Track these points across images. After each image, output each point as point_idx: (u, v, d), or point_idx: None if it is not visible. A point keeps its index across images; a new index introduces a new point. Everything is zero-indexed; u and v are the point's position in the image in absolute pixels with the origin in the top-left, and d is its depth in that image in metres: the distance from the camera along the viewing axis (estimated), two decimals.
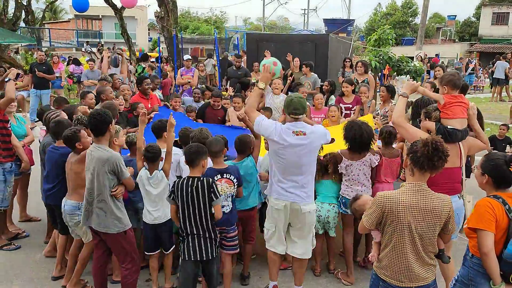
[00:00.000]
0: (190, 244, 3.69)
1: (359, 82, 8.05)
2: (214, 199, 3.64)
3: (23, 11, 21.81)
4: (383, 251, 2.93)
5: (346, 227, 4.63)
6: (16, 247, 5.16)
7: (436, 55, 32.75)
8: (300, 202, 3.81)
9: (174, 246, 4.38)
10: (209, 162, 3.99)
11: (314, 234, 4.07)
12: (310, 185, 3.88)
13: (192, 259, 3.69)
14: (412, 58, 18.88)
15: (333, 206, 4.55)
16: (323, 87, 8.50)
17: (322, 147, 4.39)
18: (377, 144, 4.83)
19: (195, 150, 3.72)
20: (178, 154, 4.51)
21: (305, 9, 47.01)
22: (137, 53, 22.53)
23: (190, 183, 3.64)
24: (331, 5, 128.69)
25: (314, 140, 3.78)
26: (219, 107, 7.08)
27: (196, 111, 7.14)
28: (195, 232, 3.68)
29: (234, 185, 4.06)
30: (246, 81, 8.80)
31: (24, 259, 4.93)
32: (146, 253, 4.33)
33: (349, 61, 10.19)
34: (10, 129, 5.15)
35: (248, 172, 4.31)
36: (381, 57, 11.74)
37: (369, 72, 9.45)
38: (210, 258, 3.72)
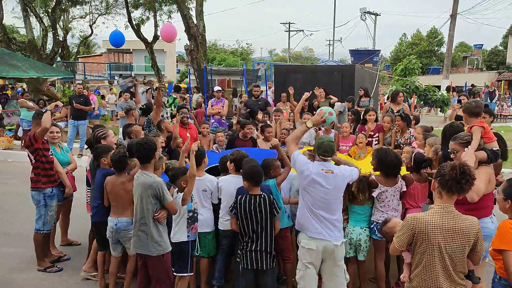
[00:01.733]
0: (249, 254, 4.05)
1: (394, 112, 8.13)
2: (276, 214, 4.03)
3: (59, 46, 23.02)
4: (413, 272, 3.00)
5: (378, 253, 4.67)
6: (58, 269, 5.39)
7: (471, 87, 32.34)
8: (331, 239, 3.91)
9: (192, 273, 4.38)
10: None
11: (345, 269, 4.11)
12: (338, 221, 3.99)
13: (250, 268, 4.04)
14: (439, 87, 18.86)
15: (364, 230, 4.61)
16: (347, 116, 8.63)
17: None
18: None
19: (259, 170, 4.12)
20: (213, 181, 4.68)
21: (330, 40, 47.70)
22: (166, 85, 23.31)
23: (253, 201, 4.01)
24: (356, 35, 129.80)
25: (341, 179, 3.96)
26: (248, 139, 7.14)
27: (226, 138, 7.34)
28: (254, 244, 4.04)
29: None
30: (254, 109, 8.93)
31: (66, 281, 5.15)
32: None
33: (363, 90, 10.33)
34: (51, 156, 5.43)
35: (275, 191, 4.48)
36: (408, 87, 11.85)
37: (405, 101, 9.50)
38: (266, 268, 4.03)
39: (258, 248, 4.04)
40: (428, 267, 2.90)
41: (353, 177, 4.09)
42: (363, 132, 7.15)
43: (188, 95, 15.02)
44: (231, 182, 4.54)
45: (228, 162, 4.69)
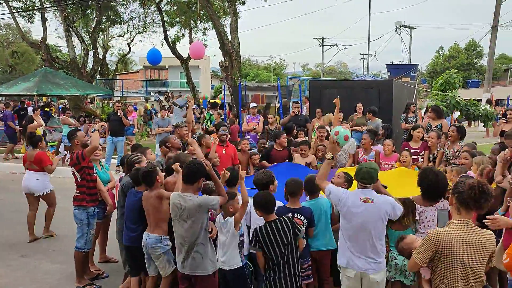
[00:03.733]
0: (278, 281, 3.95)
1: (432, 127, 7.86)
2: (298, 233, 3.96)
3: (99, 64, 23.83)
4: (437, 287, 3.06)
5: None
6: (97, 287, 5.41)
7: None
8: (369, 271, 3.77)
9: None
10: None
11: None
12: (379, 252, 3.82)
13: None
14: (478, 101, 18.19)
15: None
16: (379, 132, 8.38)
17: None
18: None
19: (269, 199, 4.02)
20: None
21: (364, 54, 47.27)
22: (201, 101, 23.63)
23: (273, 226, 3.94)
24: (389, 49, 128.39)
25: (381, 207, 3.78)
26: (282, 148, 7.23)
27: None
28: (282, 270, 3.95)
29: (304, 225, 4.28)
30: (291, 126, 8.86)
31: None
32: None
33: (414, 107, 10.10)
34: (95, 175, 5.53)
35: (321, 212, 4.44)
36: (448, 102, 11.46)
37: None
38: None
39: (286, 274, 3.96)
40: (452, 282, 2.97)
41: (396, 212, 3.84)
42: (406, 148, 6.89)
43: (223, 111, 15.11)
44: None
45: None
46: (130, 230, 4.71)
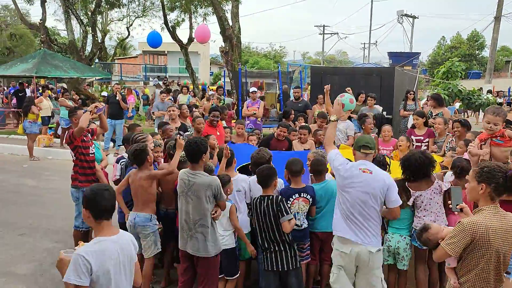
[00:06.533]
0: (269, 256, 4.02)
1: (433, 115, 7.79)
2: (281, 216, 3.90)
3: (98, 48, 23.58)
4: (464, 277, 2.96)
5: (419, 262, 4.48)
6: None
7: None
8: (365, 244, 3.67)
9: (237, 274, 4.39)
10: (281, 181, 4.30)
11: (383, 278, 3.86)
12: (375, 227, 3.75)
13: (269, 269, 4.00)
14: (480, 90, 18.09)
15: (404, 238, 4.36)
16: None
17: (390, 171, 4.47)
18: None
19: (267, 173, 4.06)
20: (246, 180, 4.61)
21: (365, 43, 47.00)
22: (200, 87, 23.49)
23: (262, 202, 3.97)
24: (391, 38, 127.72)
25: (379, 179, 3.70)
26: (284, 138, 7.09)
27: (260, 137, 7.29)
28: (271, 246, 4.00)
29: (310, 203, 4.33)
30: (288, 111, 8.76)
31: None
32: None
33: (412, 94, 10.03)
34: (92, 155, 5.42)
35: (331, 194, 4.40)
36: (450, 90, 11.39)
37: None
38: (288, 269, 3.97)
39: (276, 249, 3.99)
40: (484, 271, 2.89)
41: (392, 185, 3.76)
42: (406, 135, 6.82)
43: (223, 96, 15.03)
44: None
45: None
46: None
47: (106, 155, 6.75)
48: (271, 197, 3.98)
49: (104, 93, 16.87)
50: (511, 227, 2.89)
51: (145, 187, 4.40)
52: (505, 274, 3.10)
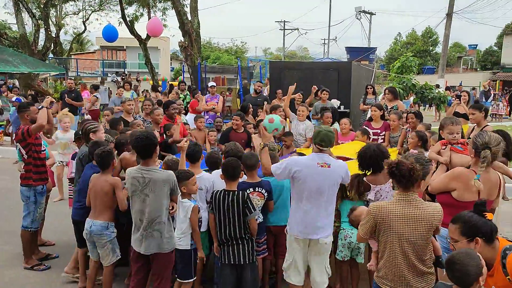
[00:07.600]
0: (226, 250, 3.96)
1: (388, 108, 7.98)
2: (248, 213, 3.85)
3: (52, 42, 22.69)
4: (380, 261, 3.09)
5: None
6: (45, 267, 5.18)
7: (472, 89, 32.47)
8: (317, 237, 3.76)
9: (195, 278, 4.22)
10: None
11: (328, 263, 3.98)
12: (329, 216, 3.84)
13: (226, 262, 3.94)
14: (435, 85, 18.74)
15: None
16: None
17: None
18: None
19: (236, 165, 3.98)
20: (209, 179, 4.50)
21: (325, 39, 47.66)
22: (160, 82, 23.08)
23: (227, 197, 3.87)
24: (350, 34, 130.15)
25: (336, 171, 3.79)
26: (242, 130, 7.11)
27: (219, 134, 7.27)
28: (230, 240, 3.93)
29: (265, 198, 4.27)
30: (245, 105, 8.78)
31: (53, 279, 4.95)
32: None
33: (371, 88, 10.26)
34: (43, 153, 5.26)
35: (282, 187, 4.43)
36: (404, 84, 11.74)
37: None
38: (244, 263, 3.92)
39: (234, 242, 3.93)
40: (391, 256, 2.98)
41: (348, 177, 3.94)
42: (365, 126, 6.93)
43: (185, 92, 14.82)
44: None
45: (223, 155, 4.61)
46: (82, 203, 4.49)
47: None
48: (236, 193, 3.90)
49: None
50: (422, 216, 2.92)
51: (106, 192, 4.20)
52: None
